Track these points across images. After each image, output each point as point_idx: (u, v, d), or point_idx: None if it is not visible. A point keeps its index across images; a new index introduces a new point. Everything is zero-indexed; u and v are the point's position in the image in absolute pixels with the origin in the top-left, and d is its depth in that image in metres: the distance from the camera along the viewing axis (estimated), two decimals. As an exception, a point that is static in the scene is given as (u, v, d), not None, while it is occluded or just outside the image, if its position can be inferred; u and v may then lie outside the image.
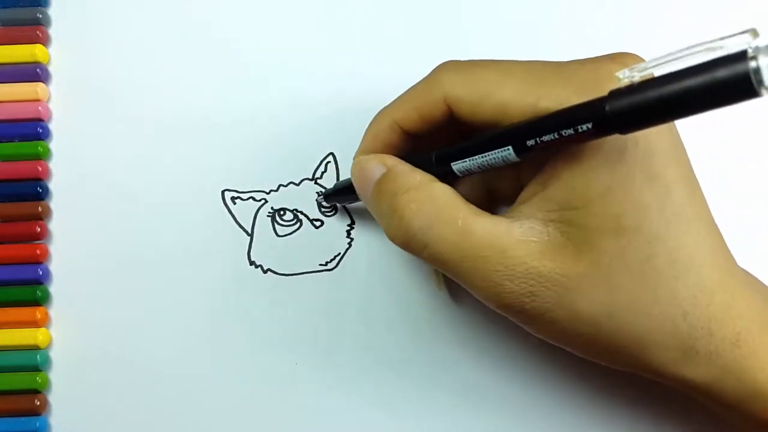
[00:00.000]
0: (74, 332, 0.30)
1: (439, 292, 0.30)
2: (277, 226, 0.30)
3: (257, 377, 0.29)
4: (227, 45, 0.31)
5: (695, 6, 0.31)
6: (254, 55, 0.31)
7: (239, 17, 0.31)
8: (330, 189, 0.29)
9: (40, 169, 0.30)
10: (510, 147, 0.20)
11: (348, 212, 0.30)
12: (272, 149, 0.30)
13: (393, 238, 0.23)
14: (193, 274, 0.30)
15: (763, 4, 0.31)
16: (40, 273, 0.30)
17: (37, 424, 0.29)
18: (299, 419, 0.29)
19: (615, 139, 0.20)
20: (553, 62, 0.22)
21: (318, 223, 0.30)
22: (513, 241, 0.21)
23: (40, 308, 0.30)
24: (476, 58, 0.24)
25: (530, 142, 0.20)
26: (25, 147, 0.30)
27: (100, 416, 0.29)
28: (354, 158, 0.26)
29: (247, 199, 0.30)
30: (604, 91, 0.18)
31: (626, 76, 0.18)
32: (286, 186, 0.30)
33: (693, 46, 0.16)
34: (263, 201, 0.30)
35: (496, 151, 0.21)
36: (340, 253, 0.30)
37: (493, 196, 0.27)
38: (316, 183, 0.30)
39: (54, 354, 0.30)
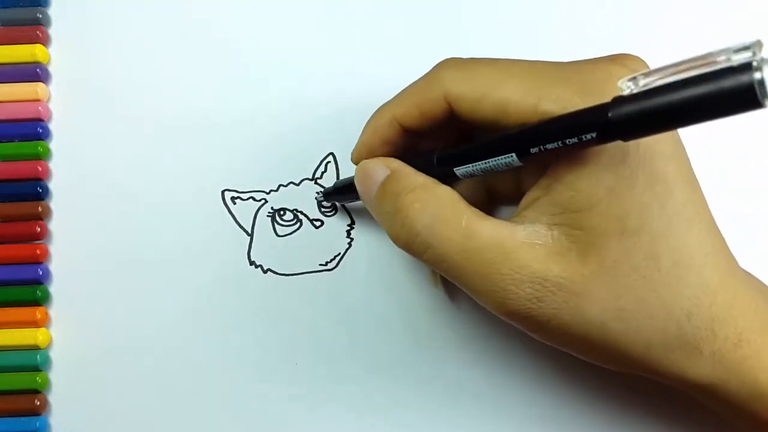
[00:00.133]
0: (74, 332, 0.30)
1: (435, 290, 0.30)
2: (277, 226, 0.30)
3: (257, 377, 0.29)
4: (227, 45, 0.31)
5: (695, 6, 0.31)
6: (254, 55, 0.31)
7: (239, 17, 0.31)
8: (330, 187, 0.29)
9: (40, 169, 0.30)
10: (513, 154, 0.20)
11: (348, 212, 0.30)
12: (272, 149, 0.30)
13: (396, 239, 0.23)
14: (193, 274, 0.30)
15: (764, 4, 0.31)
16: (40, 273, 0.30)
17: (37, 424, 0.29)
18: (299, 419, 0.29)
19: (618, 142, 0.20)
20: (554, 62, 0.22)
21: (318, 223, 0.30)
22: (517, 244, 0.21)
23: (40, 308, 0.30)
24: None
25: (534, 150, 0.20)
26: (25, 147, 0.30)
27: (100, 416, 0.29)
28: (352, 153, 0.26)
29: (247, 199, 0.30)
30: (605, 92, 0.18)
31: (627, 87, 0.18)
32: (286, 186, 0.30)
33: (697, 58, 0.16)
34: (263, 201, 0.30)
35: (499, 157, 0.21)
36: (340, 253, 0.30)
37: (492, 197, 0.27)
38: (316, 183, 0.30)
39: (54, 354, 0.30)
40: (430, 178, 0.23)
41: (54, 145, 0.31)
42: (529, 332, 0.23)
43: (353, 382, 0.29)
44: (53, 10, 0.31)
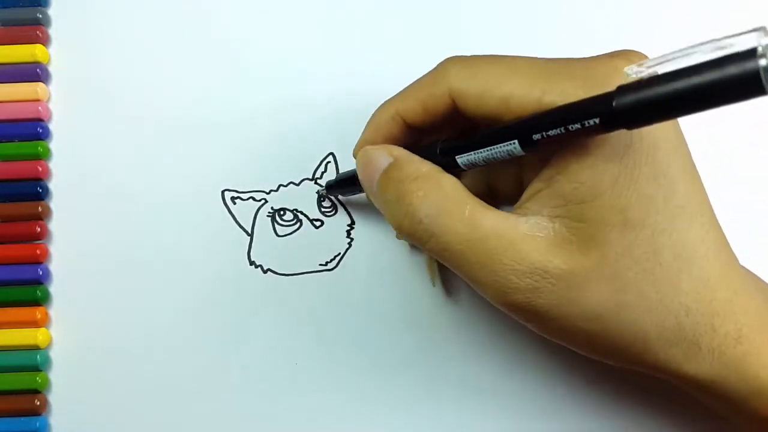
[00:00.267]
0: (74, 332, 0.30)
1: (433, 287, 0.29)
2: (277, 226, 0.30)
3: (257, 377, 0.29)
4: (227, 45, 0.31)
5: (695, 6, 0.31)
6: (254, 55, 0.31)
7: (239, 17, 0.31)
8: (332, 180, 0.29)
9: (40, 169, 0.30)
10: (516, 141, 0.20)
11: (348, 212, 0.30)
12: (272, 149, 0.30)
13: (399, 227, 0.23)
14: (193, 274, 0.30)
15: (764, 4, 0.31)
16: (40, 273, 0.30)
17: (37, 424, 0.29)
18: (299, 419, 0.29)
19: (620, 133, 0.20)
20: (557, 59, 0.22)
21: (318, 223, 0.30)
22: (519, 236, 0.21)
23: (40, 308, 0.30)
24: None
25: (536, 137, 0.20)
26: (25, 147, 0.30)
27: (100, 416, 0.29)
28: (355, 149, 0.26)
29: (247, 199, 0.30)
30: (610, 86, 0.18)
31: (634, 72, 0.18)
32: (286, 186, 0.30)
33: (702, 44, 0.16)
34: (263, 201, 0.30)
35: (501, 144, 0.21)
36: (340, 253, 0.30)
37: (493, 194, 0.27)
38: (316, 183, 0.30)
39: (54, 354, 0.30)
40: (435, 165, 0.23)
41: (54, 145, 0.31)
42: (527, 323, 0.23)
43: (353, 382, 0.29)
44: (53, 10, 0.31)
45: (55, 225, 0.30)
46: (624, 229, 0.20)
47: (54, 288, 0.30)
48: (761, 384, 0.21)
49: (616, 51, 0.22)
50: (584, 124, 0.18)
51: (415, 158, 0.24)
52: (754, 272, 0.24)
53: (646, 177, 0.20)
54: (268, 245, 0.30)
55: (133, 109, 0.31)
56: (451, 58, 0.24)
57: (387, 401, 0.29)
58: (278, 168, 0.30)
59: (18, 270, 0.30)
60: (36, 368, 0.29)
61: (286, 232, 0.30)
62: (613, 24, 0.31)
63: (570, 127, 0.19)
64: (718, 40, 0.16)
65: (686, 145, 0.22)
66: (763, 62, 0.14)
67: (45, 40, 0.31)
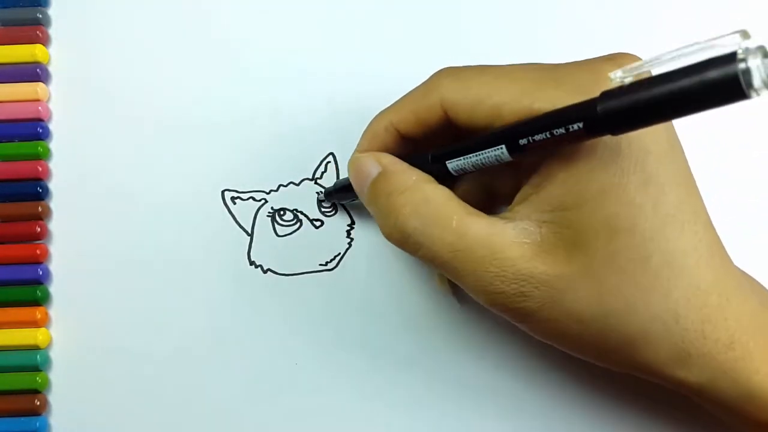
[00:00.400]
0: (74, 332, 0.30)
1: (441, 289, 0.30)
2: (277, 226, 0.30)
3: (257, 377, 0.29)
4: (227, 45, 0.31)
5: (695, 6, 0.31)
6: (254, 55, 0.31)
7: (239, 17, 0.31)
8: (330, 187, 0.30)
9: (40, 169, 0.30)
10: (503, 146, 0.21)
11: (348, 212, 0.30)
12: (272, 149, 0.30)
13: (389, 237, 0.24)
14: (193, 274, 0.30)
15: (763, 3, 0.31)
16: (40, 273, 0.30)
17: (37, 424, 0.29)
18: (299, 419, 0.29)
19: (609, 140, 0.20)
20: (548, 65, 0.22)
21: (318, 223, 0.30)
22: (507, 243, 0.21)
23: (40, 308, 0.30)
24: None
25: (523, 142, 0.20)
26: (25, 147, 0.30)
27: (100, 416, 0.29)
28: (351, 157, 0.26)
29: (247, 199, 0.30)
30: (597, 92, 0.18)
31: (618, 77, 0.18)
32: (286, 186, 0.30)
33: (685, 47, 0.16)
34: (263, 201, 0.30)
35: (489, 150, 0.21)
36: (340, 253, 0.30)
37: (493, 196, 0.27)
38: (316, 183, 0.30)
39: (54, 354, 0.30)
40: (423, 174, 0.23)
41: (54, 145, 0.31)
42: (518, 324, 0.23)
43: (353, 382, 0.29)
44: (53, 10, 0.31)
45: (55, 225, 0.30)
46: (611, 236, 0.20)
47: (54, 288, 0.30)
48: (753, 389, 0.21)
49: (608, 55, 0.22)
50: (569, 128, 0.18)
51: (403, 167, 0.24)
52: (750, 275, 0.24)
53: (634, 184, 0.20)
54: (268, 245, 0.30)
55: (133, 109, 0.31)
56: (442, 69, 0.24)
57: (387, 401, 0.29)
58: (278, 168, 0.30)
59: (18, 270, 0.30)
60: (36, 368, 0.29)
61: (286, 232, 0.30)
62: (613, 24, 0.31)
63: (555, 132, 0.19)
64: (701, 43, 0.16)
65: (680, 150, 0.22)
66: (742, 66, 0.14)
67: (45, 40, 0.31)
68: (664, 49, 0.17)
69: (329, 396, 0.29)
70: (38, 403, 0.29)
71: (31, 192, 0.30)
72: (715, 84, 0.15)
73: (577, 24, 0.31)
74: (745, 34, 0.15)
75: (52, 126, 0.31)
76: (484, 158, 0.22)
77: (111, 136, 0.31)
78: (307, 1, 0.31)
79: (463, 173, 0.23)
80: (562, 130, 0.19)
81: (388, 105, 0.25)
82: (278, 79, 0.31)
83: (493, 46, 0.31)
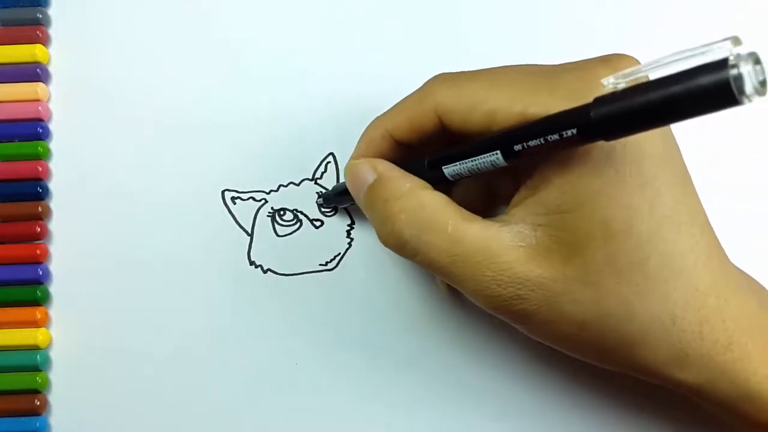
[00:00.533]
0: (74, 332, 0.30)
1: (438, 290, 0.30)
2: (277, 226, 0.30)
3: (257, 377, 0.29)
4: (227, 45, 0.31)
5: (695, 6, 0.31)
6: (254, 55, 0.31)
7: (239, 17, 0.31)
8: (328, 191, 0.30)
9: (40, 169, 0.30)
10: (498, 152, 0.21)
11: (348, 212, 0.30)
12: (272, 149, 0.30)
13: (386, 244, 0.24)
14: (193, 274, 0.30)
15: (764, 4, 0.31)
16: (40, 273, 0.30)
17: (37, 424, 0.29)
18: (299, 419, 0.29)
19: (603, 144, 0.20)
20: (543, 67, 0.22)
21: (318, 223, 0.30)
22: (502, 247, 0.21)
23: (40, 308, 0.30)
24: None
25: (517, 147, 0.20)
26: (25, 147, 0.30)
27: (100, 416, 0.29)
28: (347, 163, 0.26)
29: (247, 199, 0.30)
30: (591, 98, 0.18)
31: (611, 83, 0.18)
32: (286, 186, 0.30)
33: (677, 53, 0.16)
34: (263, 201, 0.30)
35: (484, 155, 0.21)
36: (340, 253, 0.30)
37: (493, 196, 0.27)
38: (316, 183, 0.30)
39: (54, 354, 0.30)
40: (418, 180, 0.24)
41: (54, 145, 0.31)
42: (513, 324, 0.23)
43: (353, 382, 0.29)
44: (53, 10, 0.31)
45: (55, 225, 0.30)
46: (607, 238, 0.20)
47: (54, 288, 0.30)
48: (752, 390, 0.21)
49: (603, 56, 0.22)
50: (563, 134, 0.18)
51: (399, 173, 0.24)
52: (750, 275, 0.24)
53: (630, 187, 0.20)
54: (268, 245, 0.30)
55: (133, 109, 0.31)
56: (437, 76, 0.24)
57: (387, 401, 0.29)
58: (278, 168, 0.30)
59: (18, 270, 0.30)
60: (36, 368, 0.29)
61: (286, 232, 0.30)
62: (613, 24, 0.31)
63: (549, 138, 0.19)
64: (694, 49, 0.16)
65: (678, 152, 0.22)
66: (733, 72, 0.14)
67: (45, 40, 0.31)
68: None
69: (329, 396, 0.29)
70: (38, 403, 0.29)
71: (31, 192, 0.30)
72: (707, 90, 0.15)
73: (577, 24, 0.31)
74: (736, 41, 0.15)
75: (52, 126, 0.31)
76: (479, 164, 0.22)
77: (111, 136, 0.31)
78: (307, 1, 0.31)
79: (459, 178, 0.23)
80: (556, 136, 0.19)
81: (386, 108, 0.25)
82: (278, 79, 0.31)
83: (493, 46, 0.31)
